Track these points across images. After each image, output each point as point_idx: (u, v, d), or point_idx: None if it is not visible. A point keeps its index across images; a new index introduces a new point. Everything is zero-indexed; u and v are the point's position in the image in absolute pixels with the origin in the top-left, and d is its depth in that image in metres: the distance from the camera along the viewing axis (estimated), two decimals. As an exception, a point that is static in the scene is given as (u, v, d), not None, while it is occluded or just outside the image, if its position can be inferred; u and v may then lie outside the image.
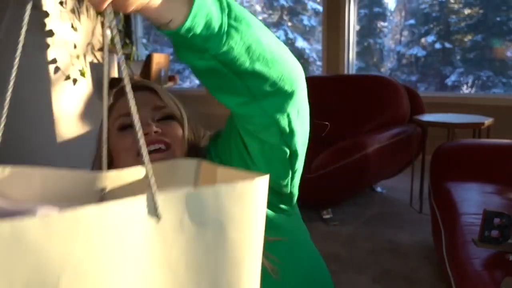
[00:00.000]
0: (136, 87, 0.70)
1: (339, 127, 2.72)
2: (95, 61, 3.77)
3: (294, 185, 0.70)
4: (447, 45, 4.63)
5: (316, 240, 0.83)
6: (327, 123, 0.57)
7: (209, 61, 0.47)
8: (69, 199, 0.44)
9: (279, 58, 0.51)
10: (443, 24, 4.66)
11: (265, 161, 0.63)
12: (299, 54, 6.22)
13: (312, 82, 3.24)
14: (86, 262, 0.30)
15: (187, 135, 0.72)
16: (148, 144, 0.62)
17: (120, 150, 0.68)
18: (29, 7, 0.36)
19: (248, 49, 0.47)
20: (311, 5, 6.19)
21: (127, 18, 5.80)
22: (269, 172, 0.42)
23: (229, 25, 0.45)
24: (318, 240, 1.20)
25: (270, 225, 0.51)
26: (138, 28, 6.38)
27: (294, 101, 0.55)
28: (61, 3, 3.13)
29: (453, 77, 4.73)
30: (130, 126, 0.66)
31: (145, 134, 0.63)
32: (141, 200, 0.33)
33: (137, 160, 0.64)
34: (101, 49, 3.84)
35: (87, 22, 3.61)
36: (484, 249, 1.15)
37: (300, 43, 6.18)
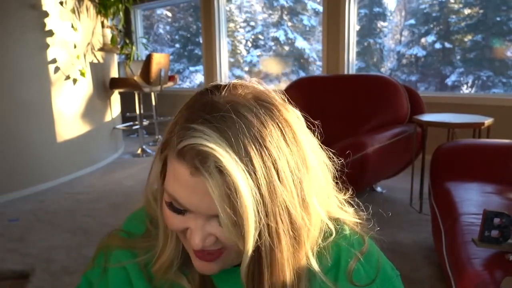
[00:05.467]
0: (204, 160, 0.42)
1: (339, 127, 2.72)
2: (95, 61, 3.77)
3: None
4: (447, 45, 4.63)
5: (316, 240, 0.82)
6: (318, 121, 0.53)
7: None
8: None
9: None
10: (443, 24, 4.66)
11: None
12: (299, 54, 6.22)
13: (312, 82, 3.26)
14: None
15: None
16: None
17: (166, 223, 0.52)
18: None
19: None
20: (311, 5, 6.19)
21: (127, 18, 5.80)
22: None
23: None
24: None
25: None
26: (138, 28, 6.38)
27: None
28: (61, 3, 3.13)
29: (453, 77, 4.73)
30: (180, 211, 0.48)
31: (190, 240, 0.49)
32: None
33: (185, 240, 0.51)
34: (101, 49, 3.84)
35: (87, 22, 3.61)
36: (484, 249, 1.15)
37: (300, 43, 6.17)
